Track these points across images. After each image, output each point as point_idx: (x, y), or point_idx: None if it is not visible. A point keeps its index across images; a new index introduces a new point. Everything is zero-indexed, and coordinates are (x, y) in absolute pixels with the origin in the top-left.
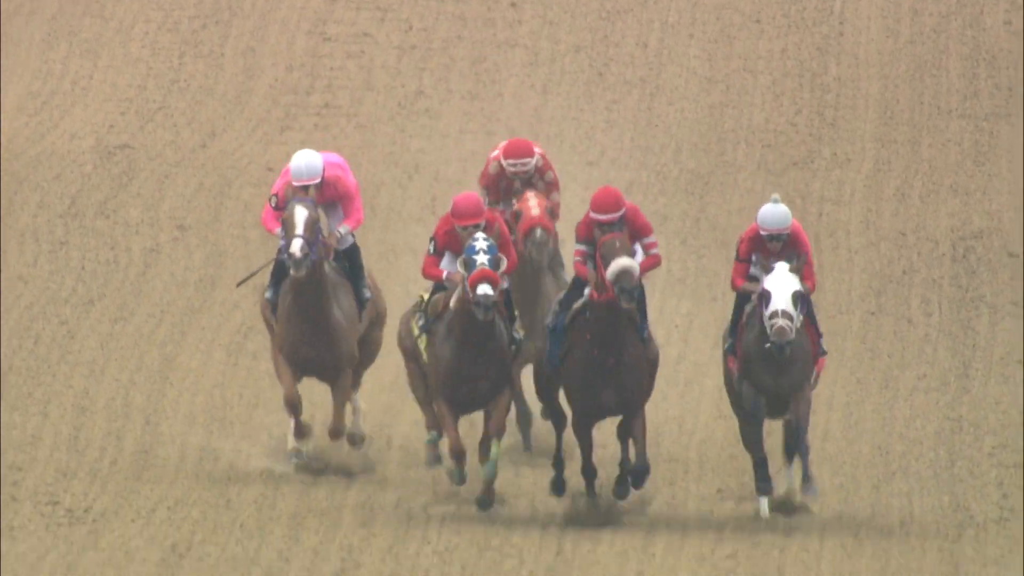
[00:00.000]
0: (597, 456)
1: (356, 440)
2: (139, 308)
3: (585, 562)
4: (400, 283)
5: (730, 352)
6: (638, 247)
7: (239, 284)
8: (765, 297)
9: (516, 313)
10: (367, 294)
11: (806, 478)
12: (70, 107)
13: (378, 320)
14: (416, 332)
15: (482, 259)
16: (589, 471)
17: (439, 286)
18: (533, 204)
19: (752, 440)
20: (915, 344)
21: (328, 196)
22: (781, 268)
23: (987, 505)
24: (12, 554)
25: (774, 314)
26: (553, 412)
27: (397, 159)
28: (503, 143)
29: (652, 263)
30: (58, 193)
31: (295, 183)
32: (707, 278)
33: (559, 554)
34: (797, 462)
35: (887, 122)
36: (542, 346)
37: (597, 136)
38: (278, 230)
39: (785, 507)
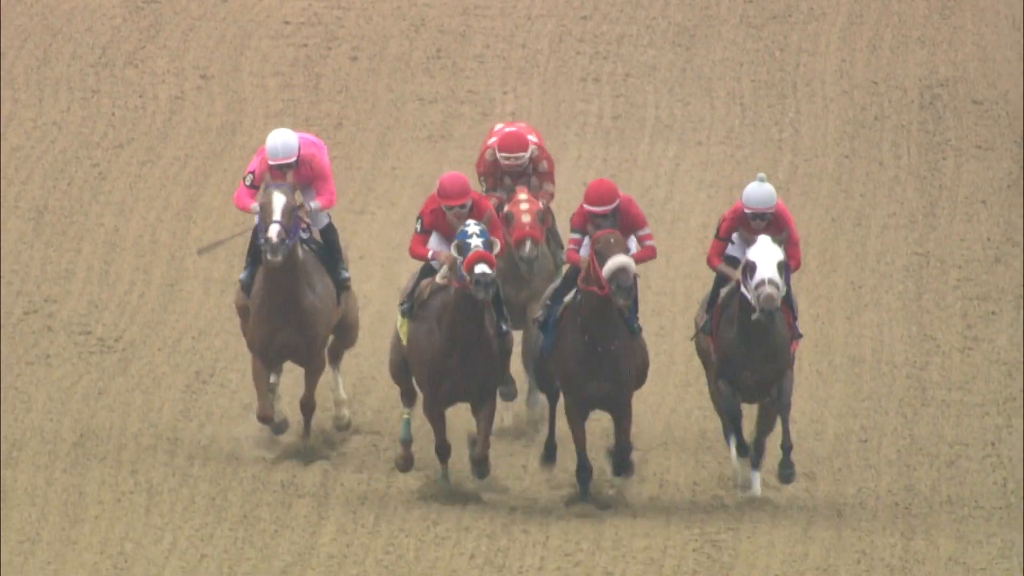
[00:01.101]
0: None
1: (342, 427)
2: (165, 152)
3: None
4: (407, 129)
5: (705, 332)
6: (632, 239)
7: (200, 252)
8: (750, 267)
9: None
10: (345, 274)
11: (785, 448)
12: None
13: (353, 306)
14: (398, 319)
15: (476, 242)
16: (583, 470)
17: (425, 270)
18: (524, 209)
19: (728, 426)
20: (885, 185)
21: (303, 175)
22: (764, 240)
23: (952, 335)
24: (48, 380)
25: (760, 283)
26: (549, 393)
27: (404, 13)
28: (500, 129)
29: (647, 254)
30: (89, 44)
31: (271, 162)
32: (692, 123)
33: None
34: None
35: None
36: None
37: None
38: (253, 206)
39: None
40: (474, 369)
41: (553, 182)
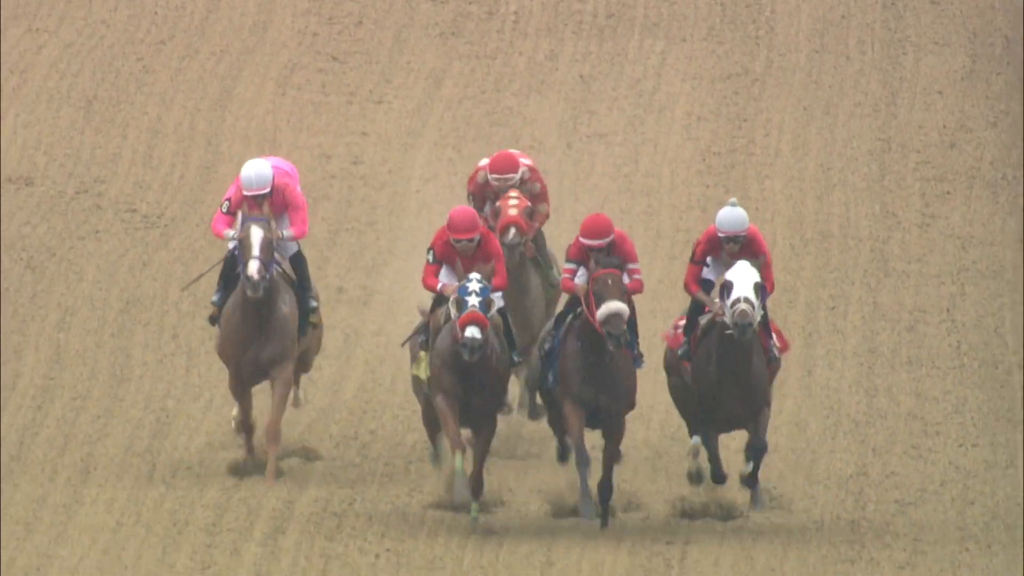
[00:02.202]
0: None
1: (298, 401)
2: (203, 47)
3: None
4: (421, 27)
5: (684, 358)
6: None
7: (184, 289)
8: (727, 287)
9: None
10: (313, 304)
11: (752, 482)
12: None
13: (317, 333)
14: (422, 368)
15: (473, 301)
16: (583, 456)
17: (438, 300)
18: (512, 203)
19: (693, 428)
20: (851, 77)
21: (276, 203)
22: (742, 263)
23: (911, 212)
24: (98, 253)
25: (736, 300)
26: (557, 427)
27: None
28: (493, 155)
29: (635, 288)
30: None
31: (246, 192)
32: (677, 21)
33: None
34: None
35: None
36: (534, 360)
37: None
38: (227, 232)
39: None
40: (478, 398)
41: (547, 202)
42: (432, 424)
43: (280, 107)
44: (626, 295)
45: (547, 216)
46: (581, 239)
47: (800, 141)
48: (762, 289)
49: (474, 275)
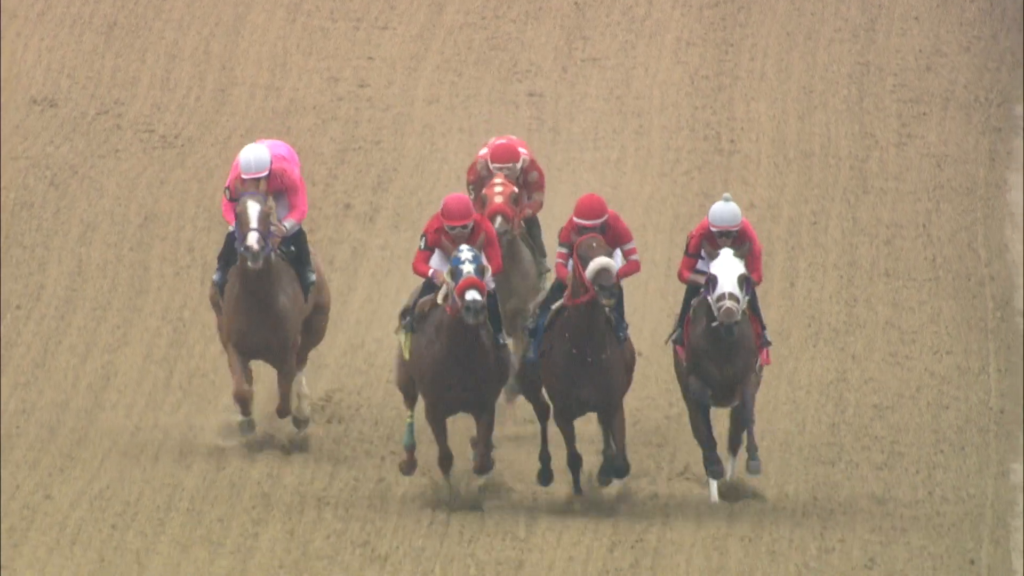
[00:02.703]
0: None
1: (300, 423)
2: None
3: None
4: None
5: (678, 342)
6: (618, 252)
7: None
8: (712, 281)
9: (501, 320)
10: (312, 277)
11: (751, 450)
12: None
13: (321, 307)
14: (402, 336)
15: (468, 268)
16: (574, 461)
17: (427, 286)
18: (498, 191)
19: (700, 427)
20: (832, 4)
21: (274, 187)
22: (726, 253)
23: (889, 132)
24: (117, 171)
25: (721, 296)
26: (537, 406)
27: None
28: (491, 143)
29: (632, 268)
30: None
31: (244, 176)
32: None
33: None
34: (740, 452)
35: None
36: (523, 349)
37: None
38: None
39: (732, 493)
40: (473, 381)
41: (543, 191)
42: (408, 391)
43: (291, 32)
44: (611, 255)
45: (541, 205)
46: (575, 219)
47: (783, 65)
48: (747, 280)
49: (464, 246)
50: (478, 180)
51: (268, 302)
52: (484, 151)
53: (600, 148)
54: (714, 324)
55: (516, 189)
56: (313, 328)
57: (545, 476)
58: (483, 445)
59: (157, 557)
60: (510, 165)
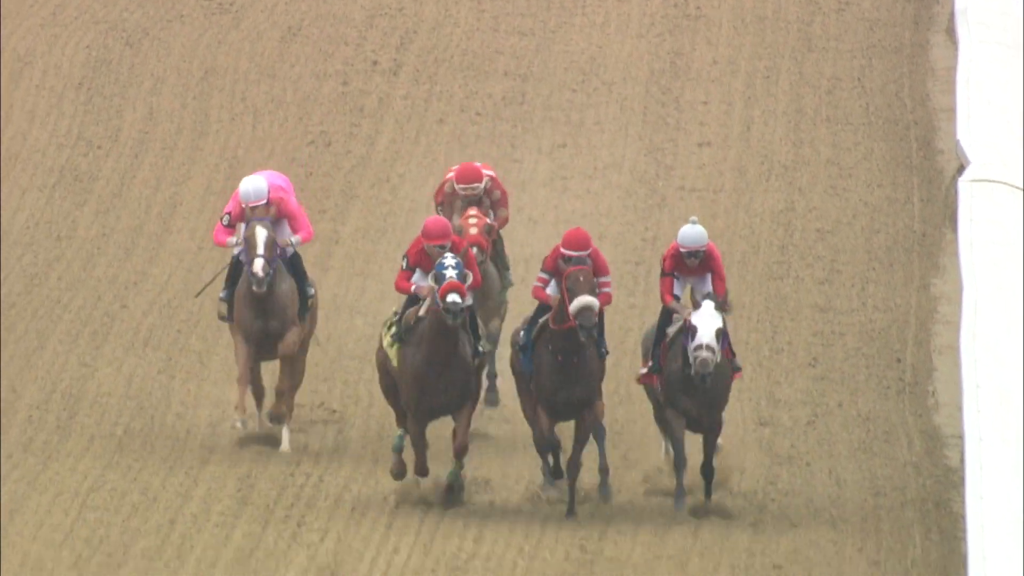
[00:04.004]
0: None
1: (278, 419)
2: None
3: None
4: None
5: (654, 372)
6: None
7: (197, 295)
8: (692, 331)
9: (480, 328)
10: (311, 291)
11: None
12: None
13: (305, 341)
14: (388, 342)
15: (451, 273)
16: (547, 442)
17: (411, 300)
18: (472, 223)
19: (676, 453)
20: None
21: (273, 215)
22: (708, 306)
23: (830, 0)
24: (181, 33)
25: (699, 347)
26: (537, 439)
27: None
28: (457, 167)
29: (605, 300)
30: None
31: (244, 205)
32: None
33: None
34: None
35: None
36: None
37: None
38: (230, 239)
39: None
40: (450, 384)
41: (507, 207)
42: (393, 396)
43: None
44: (596, 292)
45: (507, 219)
46: (563, 249)
47: None
48: (724, 334)
49: (448, 254)
50: (446, 201)
51: (270, 304)
52: (451, 174)
53: (587, 14)
54: (692, 373)
55: (489, 221)
56: (296, 361)
57: (555, 471)
58: (462, 431)
59: (216, 359)
60: (474, 185)
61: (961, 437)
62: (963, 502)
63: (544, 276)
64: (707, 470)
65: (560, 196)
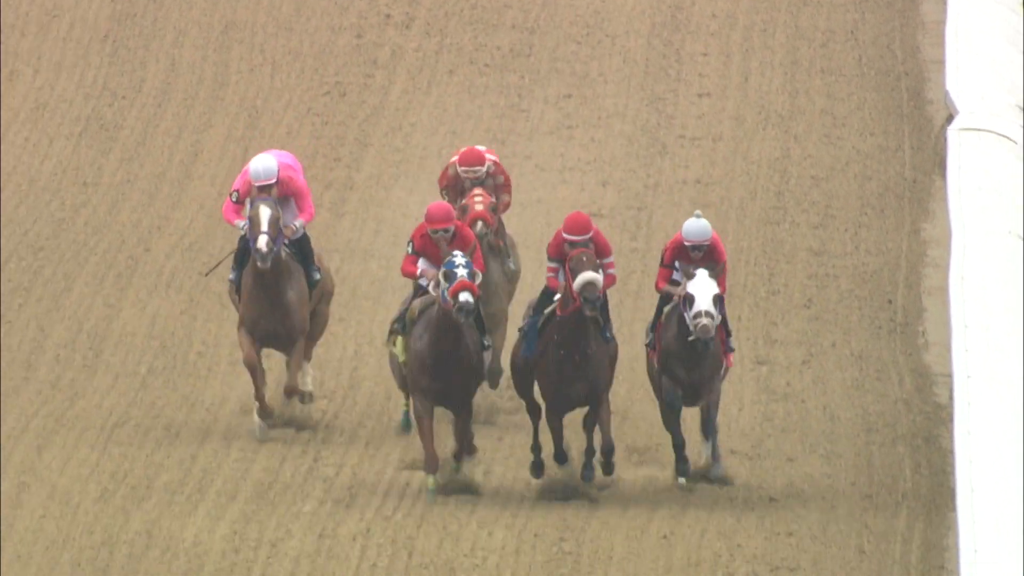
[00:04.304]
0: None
1: (305, 398)
2: None
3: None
4: None
5: (650, 347)
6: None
7: (206, 274)
8: (689, 299)
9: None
10: (316, 275)
11: (714, 456)
12: None
13: (326, 297)
14: (393, 341)
15: (462, 272)
16: (560, 456)
17: (415, 294)
18: (478, 200)
19: (671, 425)
20: None
21: (282, 193)
22: (702, 274)
23: None
24: None
25: (698, 314)
26: (529, 404)
27: None
28: (461, 150)
29: (610, 281)
30: None
31: (254, 184)
32: None
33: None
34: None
35: None
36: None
37: None
38: (238, 222)
39: (704, 477)
40: (455, 376)
41: (509, 193)
42: (406, 386)
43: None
44: (599, 270)
45: (509, 205)
46: (564, 234)
47: None
48: (720, 300)
49: (458, 252)
50: (450, 184)
51: (277, 296)
52: (454, 158)
53: None
54: (691, 339)
55: (494, 200)
56: (318, 314)
57: (537, 468)
58: (463, 434)
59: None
60: (476, 168)
61: (950, 375)
62: (952, 438)
63: (553, 264)
64: (708, 428)
65: (566, 144)
